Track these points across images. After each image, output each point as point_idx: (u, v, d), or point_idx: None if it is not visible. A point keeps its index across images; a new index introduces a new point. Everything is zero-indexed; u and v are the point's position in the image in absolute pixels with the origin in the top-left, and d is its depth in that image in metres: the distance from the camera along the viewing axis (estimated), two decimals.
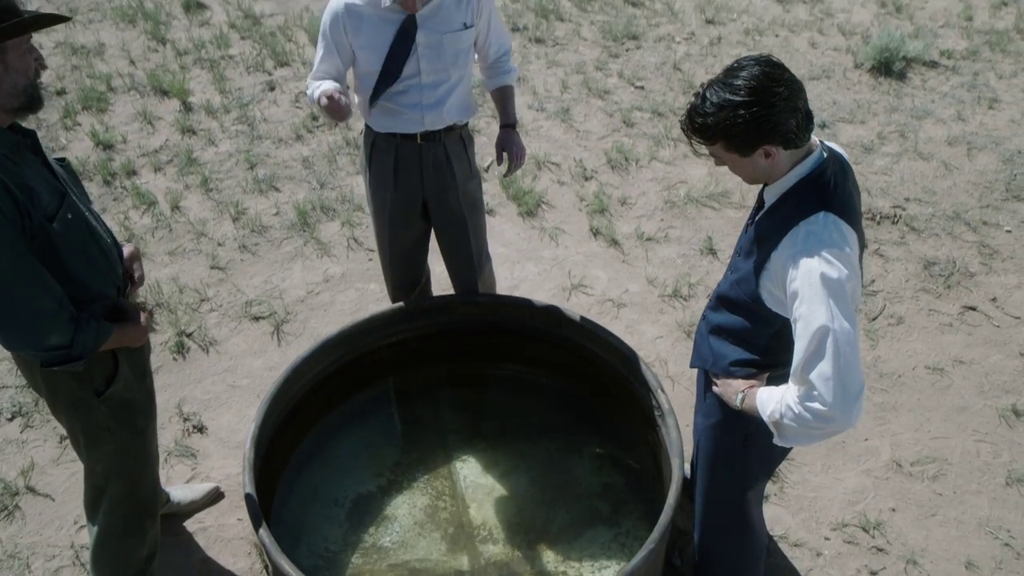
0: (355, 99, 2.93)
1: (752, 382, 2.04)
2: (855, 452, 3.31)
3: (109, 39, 5.87)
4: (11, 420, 3.42)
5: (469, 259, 3.21)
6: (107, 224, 2.34)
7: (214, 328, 3.81)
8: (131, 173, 4.66)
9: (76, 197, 2.14)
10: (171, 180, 4.64)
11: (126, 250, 2.38)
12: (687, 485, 2.90)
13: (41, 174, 2.03)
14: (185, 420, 3.42)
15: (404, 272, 3.25)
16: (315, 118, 5.14)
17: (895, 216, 4.38)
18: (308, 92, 2.84)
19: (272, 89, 5.41)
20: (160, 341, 3.75)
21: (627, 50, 5.82)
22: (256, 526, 2.48)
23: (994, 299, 3.94)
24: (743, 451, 2.21)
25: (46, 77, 5.45)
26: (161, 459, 3.24)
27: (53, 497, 3.13)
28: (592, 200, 4.49)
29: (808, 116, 1.80)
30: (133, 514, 2.49)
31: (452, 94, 2.83)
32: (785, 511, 3.08)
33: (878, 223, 4.35)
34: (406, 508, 2.98)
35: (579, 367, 3.21)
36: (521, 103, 5.28)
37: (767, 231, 1.89)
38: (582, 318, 3.14)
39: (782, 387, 1.89)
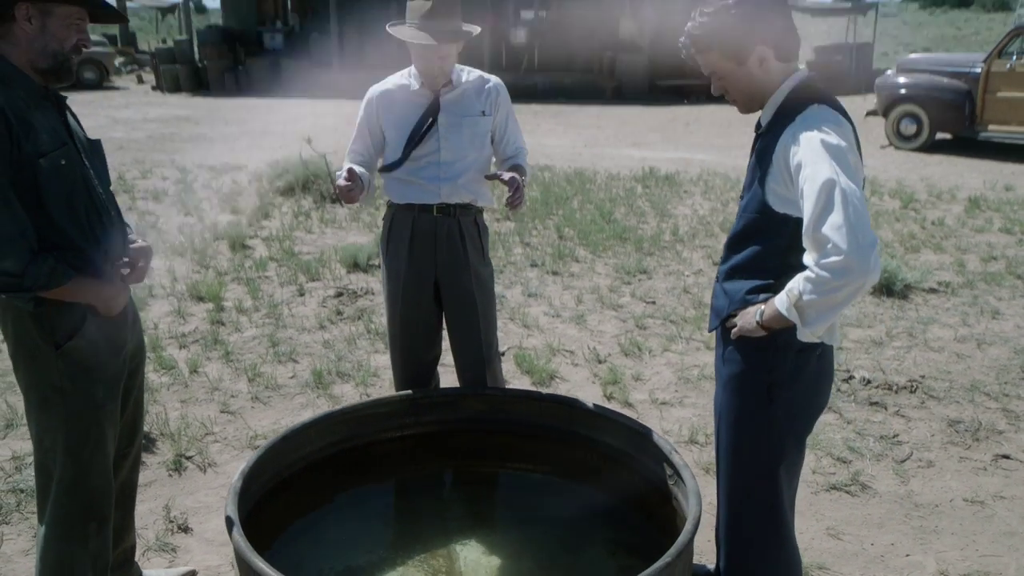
0: (378, 182, 3.20)
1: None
2: (897, 566, 3.00)
3: (157, 265, 6.33)
4: None
5: (479, 348, 3.22)
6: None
7: (216, 455, 3.71)
8: (156, 348, 4.80)
9: (87, 161, 2.26)
10: (194, 354, 4.76)
11: (139, 243, 2.45)
12: None
13: (52, 122, 2.18)
14: (170, 521, 3.21)
15: (412, 361, 3.25)
16: (339, 312, 5.37)
17: (912, 386, 4.34)
18: (337, 171, 3.13)
19: (302, 295, 5.72)
20: (158, 460, 3.63)
21: (639, 280, 6.16)
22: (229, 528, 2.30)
23: None
24: (768, 405, 2.09)
25: None
26: (138, 552, 3.00)
27: None
28: (606, 375, 4.51)
29: (795, 30, 2.00)
30: (79, 510, 2.31)
31: (468, 172, 3.08)
32: None
33: (896, 392, 4.30)
34: None
35: (591, 463, 3.06)
36: (537, 311, 5.52)
37: (766, 146, 2.00)
38: (595, 405, 3.07)
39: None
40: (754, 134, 2.14)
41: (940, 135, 12.46)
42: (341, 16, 20.00)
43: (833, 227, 1.75)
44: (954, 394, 4.29)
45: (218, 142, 12.56)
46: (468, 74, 3.13)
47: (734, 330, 2.09)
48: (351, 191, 2.93)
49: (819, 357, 2.10)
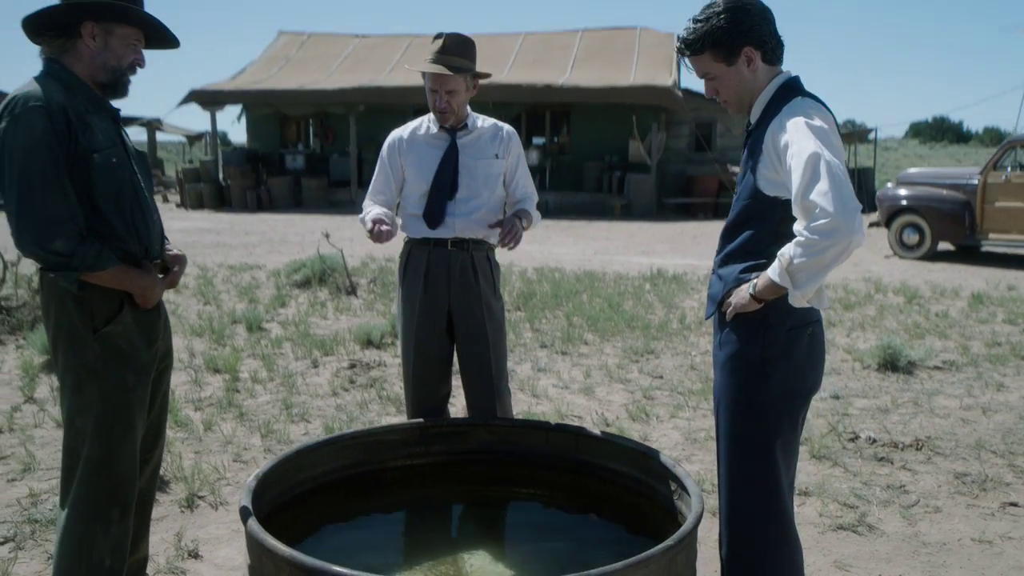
0: (398, 221, 3.40)
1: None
2: None
3: (177, 344, 6.49)
4: (3, 544, 3.28)
5: (489, 379, 3.32)
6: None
7: (228, 495, 3.76)
8: (172, 410, 4.89)
9: (136, 167, 2.47)
10: (209, 415, 4.85)
11: (175, 252, 2.65)
12: None
13: (106, 127, 2.40)
14: (180, 547, 3.24)
15: (425, 391, 3.35)
16: (352, 380, 5.47)
17: (918, 444, 4.36)
18: (361, 215, 3.33)
19: (316, 367, 5.84)
20: (171, 499, 3.68)
21: (646, 359, 6.26)
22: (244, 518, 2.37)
23: None
24: (763, 382, 2.19)
25: None
26: (149, 572, 3.04)
27: None
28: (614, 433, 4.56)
29: (779, 37, 2.22)
30: (104, 492, 2.39)
31: (481, 209, 3.27)
32: None
33: (901, 450, 4.32)
34: None
35: (599, 489, 3.12)
36: (546, 383, 5.60)
37: (756, 139, 2.19)
38: (601, 432, 3.15)
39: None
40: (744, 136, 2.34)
41: (943, 246, 12.74)
42: (360, 140, 20.90)
43: (820, 193, 1.91)
44: (960, 451, 4.32)
45: (238, 248, 12.95)
46: (483, 121, 3.37)
47: (729, 309, 2.22)
48: (390, 234, 3.12)
49: (810, 336, 2.22)
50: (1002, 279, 10.25)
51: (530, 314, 7.71)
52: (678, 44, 2.26)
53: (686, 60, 2.26)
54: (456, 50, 3.12)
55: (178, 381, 5.50)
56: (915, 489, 3.88)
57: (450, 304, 3.28)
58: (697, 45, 2.19)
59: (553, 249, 13.37)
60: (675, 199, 20.00)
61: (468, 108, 3.31)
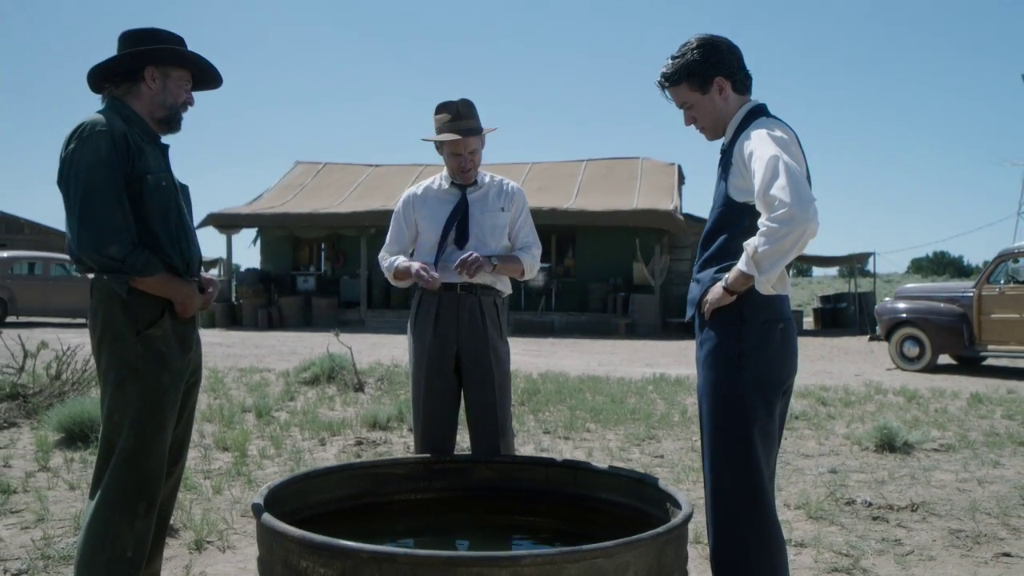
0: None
1: None
2: None
3: None
4: None
5: (494, 418, 3.49)
6: None
7: (236, 541, 3.85)
8: (182, 479, 5.00)
9: (181, 196, 2.77)
10: (217, 481, 4.96)
11: (209, 275, 2.91)
12: None
13: (158, 157, 2.71)
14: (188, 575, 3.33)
15: (433, 429, 3.50)
16: (358, 456, 5.58)
17: (914, 506, 4.44)
18: (384, 264, 3.59)
19: (323, 444, 5.96)
20: (180, 543, 3.77)
21: (648, 443, 6.36)
22: (257, 512, 2.51)
23: None
24: (738, 373, 2.37)
25: None
26: None
27: None
28: None
29: (747, 70, 2.53)
30: (133, 484, 2.56)
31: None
32: None
33: (897, 511, 4.39)
34: None
35: (600, 521, 3.22)
36: None
37: (728, 155, 2.46)
38: (606, 467, 3.30)
39: None
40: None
41: (944, 359, 12.88)
42: (371, 261, 21.47)
43: (779, 188, 2.17)
44: (955, 513, 4.39)
45: (248, 357, 13.18)
46: (491, 178, 3.67)
47: (707, 306, 2.43)
48: (436, 278, 3.35)
49: (782, 331, 2.42)
50: (1003, 385, 10.36)
51: (533, 407, 7.84)
52: (658, 79, 2.57)
53: (666, 92, 2.56)
54: (466, 113, 3.46)
55: (188, 456, 5.61)
56: (910, 542, 3.95)
57: (458, 346, 3.48)
58: (675, 77, 2.50)
59: (559, 361, 13.54)
60: (679, 318, 20.30)
61: None
